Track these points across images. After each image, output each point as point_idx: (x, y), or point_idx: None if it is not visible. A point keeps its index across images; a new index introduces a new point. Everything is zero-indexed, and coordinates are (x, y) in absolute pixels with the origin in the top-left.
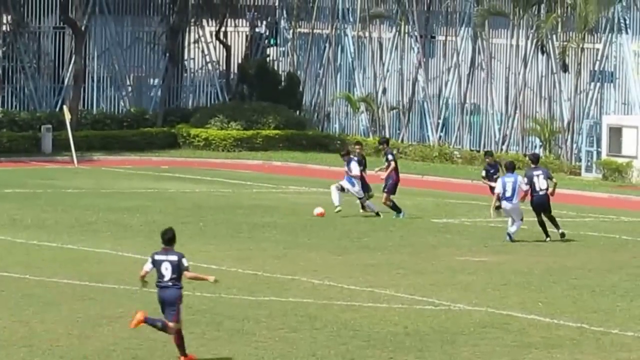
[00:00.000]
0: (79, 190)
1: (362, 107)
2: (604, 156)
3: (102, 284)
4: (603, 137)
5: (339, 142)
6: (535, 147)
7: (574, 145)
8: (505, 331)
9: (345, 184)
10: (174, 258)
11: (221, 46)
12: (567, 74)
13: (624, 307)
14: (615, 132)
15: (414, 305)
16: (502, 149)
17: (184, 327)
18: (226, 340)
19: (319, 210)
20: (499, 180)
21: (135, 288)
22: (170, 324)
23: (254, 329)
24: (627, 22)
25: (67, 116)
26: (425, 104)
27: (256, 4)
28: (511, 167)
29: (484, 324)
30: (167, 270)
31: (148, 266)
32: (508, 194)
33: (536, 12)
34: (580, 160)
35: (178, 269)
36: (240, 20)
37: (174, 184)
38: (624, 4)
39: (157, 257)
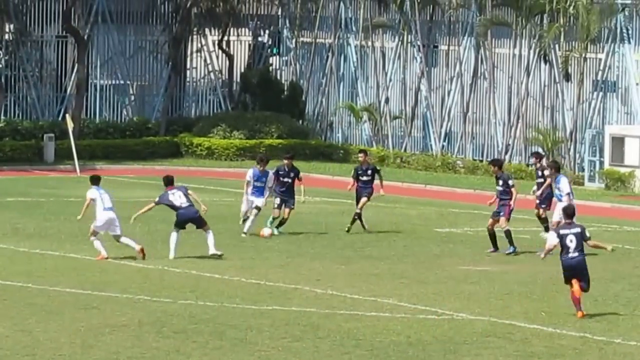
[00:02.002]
0: (82, 199)
1: (365, 116)
2: (606, 166)
3: (104, 292)
4: (606, 147)
5: (342, 151)
6: None
7: (577, 155)
8: (508, 341)
9: (255, 201)
10: (577, 230)
11: (224, 55)
12: (569, 83)
13: (627, 316)
14: (618, 142)
15: (417, 315)
16: (504, 159)
17: (188, 336)
18: (229, 349)
19: (267, 231)
20: (564, 181)
21: (137, 297)
22: (584, 286)
23: (256, 338)
24: (630, 32)
25: (70, 125)
26: (428, 113)
27: (259, 13)
28: (557, 167)
29: (486, 334)
30: (571, 242)
31: (554, 240)
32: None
33: (539, 22)
34: (583, 170)
35: (581, 238)
36: (243, 29)
37: None
38: (626, 14)
39: (562, 232)
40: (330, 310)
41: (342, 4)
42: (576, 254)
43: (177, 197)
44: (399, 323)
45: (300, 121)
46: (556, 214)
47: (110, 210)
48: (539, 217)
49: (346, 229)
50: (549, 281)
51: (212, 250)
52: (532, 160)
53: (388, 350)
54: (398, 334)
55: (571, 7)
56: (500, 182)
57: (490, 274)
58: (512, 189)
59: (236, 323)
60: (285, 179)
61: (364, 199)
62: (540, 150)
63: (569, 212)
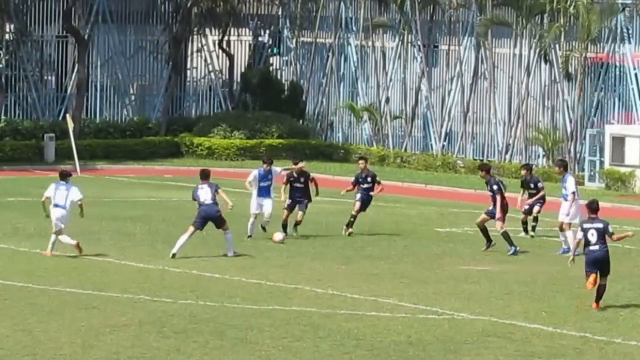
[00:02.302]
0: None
1: (365, 116)
2: (606, 166)
3: (105, 292)
4: (606, 147)
5: (342, 151)
6: (539, 156)
7: (577, 155)
8: (508, 340)
9: (259, 202)
10: (600, 225)
11: (224, 55)
12: (570, 83)
13: (627, 316)
14: (618, 142)
15: (417, 315)
16: (505, 159)
17: (188, 335)
18: (229, 349)
19: (279, 236)
20: (571, 180)
21: (138, 296)
22: (603, 280)
23: (257, 338)
24: (630, 31)
25: (70, 125)
26: (428, 113)
27: (259, 13)
28: (565, 166)
29: (487, 333)
30: (592, 236)
31: (580, 234)
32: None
33: (539, 22)
34: (583, 170)
35: (603, 234)
36: (243, 29)
37: (177, 193)
38: (627, 14)
39: (585, 225)
40: (330, 310)
41: (342, 3)
42: (597, 246)
43: (203, 193)
44: (399, 323)
45: (301, 121)
46: (561, 215)
47: (59, 207)
48: (534, 219)
49: (347, 233)
50: (549, 281)
51: (230, 253)
52: (523, 172)
53: (388, 350)
54: (398, 334)
55: (571, 7)
56: (489, 187)
57: (490, 273)
58: (497, 195)
59: (237, 323)
60: (296, 184)
61: (362, 212)
62: (540, 150)
63: (593, 207)
